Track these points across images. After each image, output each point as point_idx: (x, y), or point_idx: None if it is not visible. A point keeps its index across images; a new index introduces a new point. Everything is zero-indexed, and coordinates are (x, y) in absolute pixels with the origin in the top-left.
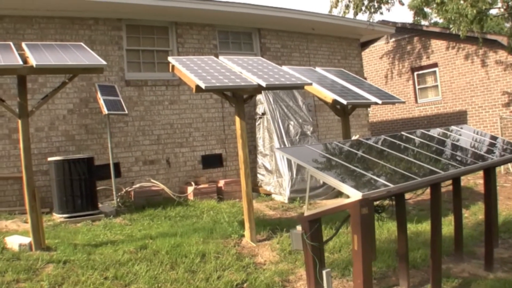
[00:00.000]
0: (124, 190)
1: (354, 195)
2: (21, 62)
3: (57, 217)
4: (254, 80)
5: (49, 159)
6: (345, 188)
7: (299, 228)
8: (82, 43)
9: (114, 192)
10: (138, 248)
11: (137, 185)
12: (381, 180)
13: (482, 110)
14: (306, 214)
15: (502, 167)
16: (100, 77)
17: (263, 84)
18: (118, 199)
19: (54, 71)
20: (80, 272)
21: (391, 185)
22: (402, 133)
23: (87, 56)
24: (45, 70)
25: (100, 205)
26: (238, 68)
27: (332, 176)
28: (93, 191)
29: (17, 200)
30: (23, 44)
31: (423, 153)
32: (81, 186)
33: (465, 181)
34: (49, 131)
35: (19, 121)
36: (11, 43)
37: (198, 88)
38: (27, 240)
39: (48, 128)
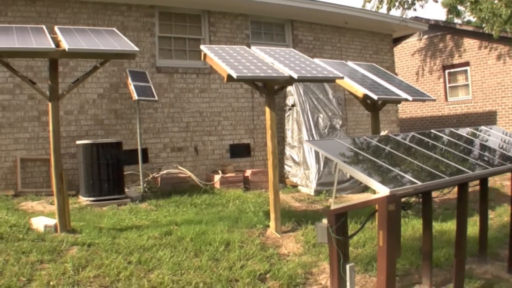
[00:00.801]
0: (151, 175)
1: (382, 191)
2: (53, 46)
3: (83, 200)
4: (286, 71)
5: (78, 142)
6: (373, 183)
7: (324, 221)
8: (114, 29)
9: (141, 177)
10: (162, 234)
11: (164, 172)
12: (409, 177)
13: None
14: (332, 207)
15: None
16: (131, 63)
17: (295, 75)
18: (145, 185)
19: (86, 56)
20: (104, 255)
21: (419, 183)
22: (432, 130)
23: (120, 42)
24: (77, 54)
25: (126, 190)
26: (270, 59)
27: (361, 171)
28: (120, 176)
29: (43, 181)
30: (56, 28)
31: (452, 152)
32: (108, 170)
33: (491, 182)
34: (79, 115)
35: (50, 104)
36: (43, 27)
37: (229, 77)
38: (53, 221)
39: (77, 111)
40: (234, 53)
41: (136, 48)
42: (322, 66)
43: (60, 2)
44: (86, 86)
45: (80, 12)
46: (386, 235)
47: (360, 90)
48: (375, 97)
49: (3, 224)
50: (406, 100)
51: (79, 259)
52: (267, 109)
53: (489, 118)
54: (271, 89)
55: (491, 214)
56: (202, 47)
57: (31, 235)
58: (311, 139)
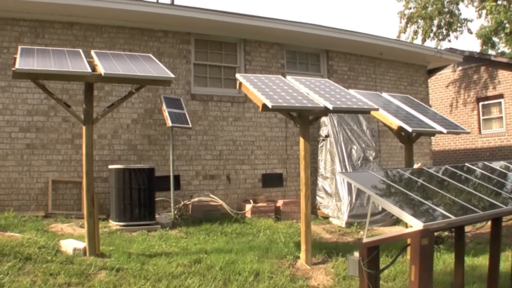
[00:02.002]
0: (182, 202)
1: (415, 225)
2: (89, 70)
3: (114, 224)
4: (321, 102)
5: (110, 166)
6: (406, 217)
7: (356, 254)
8: (150, 55)
9: (172, 204)
10: (192, 261)
11: (196, 199)
12: (442, 211)
13: None
14: (365, 240)
15: None
16: (166, 89)
17: (330, 106)
18: (176, 211)
19: (122, 81)
20: (132, 281)
21: (453, 217)
22: (465, 164)
23: (156, 68)
24: (113, 79)
25: (157, 216)
26: (305, 89)
27: (394, 204)
28: (151, 202)
29: (74, 204)
30: (93, 52)
31: (485, 185)
32: (139, 195)
33: None
34: (112, 139)
35: (84, 128)
36: (80, 50)
37: (264, 106)
38: (82, 244)
39: (111, 136)
40: (270, 83)
41: (172, 75)
42: (357, 97)
43: (97, 26)
44: (120, 111)
45: (116, 37)
46: (418, 270)
47: (394, 122)
48: (409, 129)
49: (32, 245)
50: (441, 132)
51: (107, 283)
52: (301, 140)
53: None
54: (305, 119)
55: None
56: (237, 75)
57: (60, 257)
58: (344, 170)
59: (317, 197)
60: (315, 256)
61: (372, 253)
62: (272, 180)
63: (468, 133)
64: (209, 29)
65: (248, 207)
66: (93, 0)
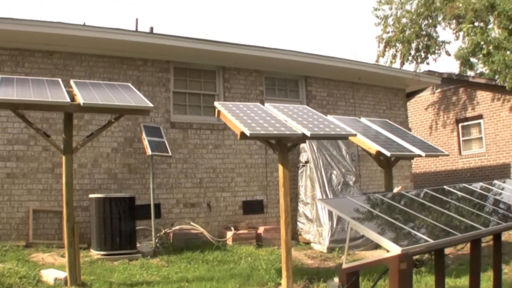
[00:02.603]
0: (164, 231)
1: (394, 249)
2: (68, 100)
3: (95, 253)
4: (299, 129)
5: (91, 195)
6: (385, 242)
7: (336, 279)
8: (129, 84)
9: (153, 233)
10: None
11: (177, 227)
12: (421, 235)
13: None
14: (344, 266)
15: None
16: (146, 118)
17: (308, 133)
18: (157, 240)
19: (100, 110)
20: None
21: (431, 240)
22: (444, 187)
23: (134, 97)
24: (92, 109)
25: (138, 245)
26: (283, 116)
27: (372, 230)
28: (132, 230)
29: (55, 233)
30: (72, 82)
31: (465, 207)
32: (120, 224)
33: (506, 236)
34: (92, 168)
35: (63, 157)
36: (59, 80)
37: (243, 135)
38: (63, 274)
39: (91, 165)
40: (248, 110)
41: (151, 104)
42: (335, 123)
43: (77, 55)
44: (100, 140)
45: (96, 66)
46: None
47: (373, 147)
48: (388, 153)
49: (13, 275)
50: (419, 156)
51: None
52: (280, 167)
53: (503, 171)
54: (284, 146)
55: (505, 269)
56: (216, 103)
57: None
58: (324, 196)
59: (298, 223)
60: (297, 282)
61: (352, 278)
62: (253, 207)
63: (447, 155)
64: (188, 57)
65: (229, 234)
66: (72, 29)
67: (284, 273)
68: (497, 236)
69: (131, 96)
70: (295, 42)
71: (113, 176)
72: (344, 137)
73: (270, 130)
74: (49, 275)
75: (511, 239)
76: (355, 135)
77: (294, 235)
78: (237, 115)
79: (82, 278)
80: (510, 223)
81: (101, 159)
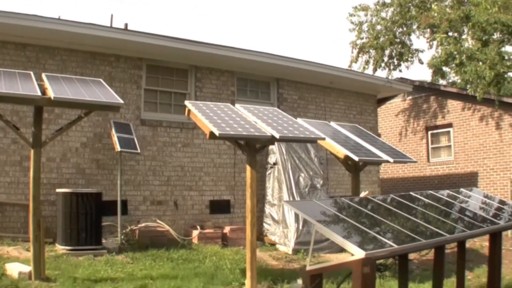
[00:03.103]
0: (129, 228)
1: (357, 253)
2: (39, 93)
3: (60, 248)
4: (268, 130)
5: (58, 190)
6: (349, 246)
7: (299, 281)
8: (101, 80)
9: (119, 229)
10: (137, 287)
11: (143, 224)
12: (386, 240)
13: (493, 173)
14: (308, 268)
15: (509, 230)
16: (116, 114)
17: (277, 135)
18: (123, 237)
19: (71, 105)
20: None
21: (395, 246)
22: (411, 193)
23: (105, 93)
24: (62, 103)
25: (103, 241)
26: (253, 118)
27: (337, 233)
28: (98, 226)
29: (21, 227)
30: (43, 75)
31: (430, 214)
32: (86, 220)
33: (471, 243)
34: (61, 162)
35: (32, 151)
36: (31, 73)
37: (212, 134)
38: (27, 268)
39: (59, 159)
40: (218, 110)
41: (121, 101)
42: (305, 126)
43: (50, 48)
44: (70, 134)
45: (69, 60)
46: None
47: (341, 151)
48: (356, 158)
49: None
50: (387, 161)
51: None
52: (248, 168)
53: (471, 179)
54: (252, 147)
55: (469, 275)
56: (186, 102)
57: (5, 281)
58: (291, 198)
59: (264, 224)
60: (261, 283)
61: (316, 280)
62: (219, 207)
63: (415, 162)
64: (161, 55)
65: (195, 233)
66: (46, 22)
67: (248, 273)
68: (461, 243)
69: (102, 92)
70: (269, 45)
71: (81, 171)
72: (313, 141)
73: (240, 131)
74: (13, 269)
75: (476, 247)
76: (323, 138)
77: (260, 236)
78: (207, 115)
79: (47, 273)
80: (475, 231)
81: (70, 154)
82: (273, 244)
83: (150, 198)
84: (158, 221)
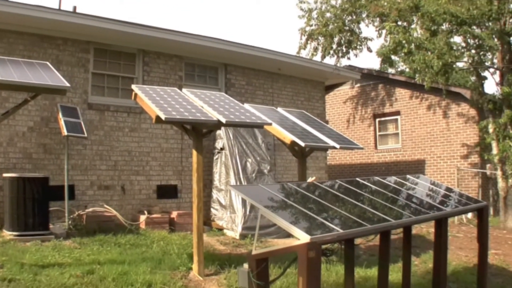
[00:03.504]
0: (77, 213)
1: (303, 238)
2: None
3: (7, 234)
4: (215, 115)
5: (4, 175)
6: (294, 230)
7: (246, 266)
8: (48, 63)
9: (66, 214)
10: (85, 272)
11: (90, 209)
12: (331, 225)
13: (441, 161)
14: (254, 253)
15: (456, 217)
16: (63, 98)
17: (223, 120)
18: (70, 222)
19: (17, 88)
20: None
21: (341, 230)
22: (357, 179)
23: (52, 77)
24: (8, 86)
25: (51, 226)
26: (200, 102)
27: (282, 218)
28: (45, 211)
29: None
30: None
31: (377, 200)
32: (33, 205)
33: (418, 229)
34: (7, 147)
35: None
36: None
37: (158, 118)
38: None
39: (6, 143)
40: (165, 95)
41: (68, 84)
42: (251, 111)
43: None
44: (16, 118)
45: (16, 43)
46: (306, 282)
47: (288, 137)
48: (302, 144)
49: None
50: (334, 147)
51: None
52: (195, 152)
53: (418, 166)
54: (199, 132)
55: (416, 261)
56: (133, 86)
57: None
58: (238, 183)
59: (212, 209)
60: (208, 268)
61: (261, 265)
62: (167, 192)
63: (362, 148)
64: (109, 39)
65: (143, 218)
66: None
67: (195, 258)
68: (407, 228)
69: (48, 75)
70: (219, 31)
71: (28, 155)
72: (260, 126)
73: (186, 115)
74: None
75: (423, 233)
76: (270, 124)
77: (208, 221)
78: (154, 99)
79: None
80: (420, 217)
81: (17, 138)
82: (220, 229)
83: (97, 183)
84: (105, 206)
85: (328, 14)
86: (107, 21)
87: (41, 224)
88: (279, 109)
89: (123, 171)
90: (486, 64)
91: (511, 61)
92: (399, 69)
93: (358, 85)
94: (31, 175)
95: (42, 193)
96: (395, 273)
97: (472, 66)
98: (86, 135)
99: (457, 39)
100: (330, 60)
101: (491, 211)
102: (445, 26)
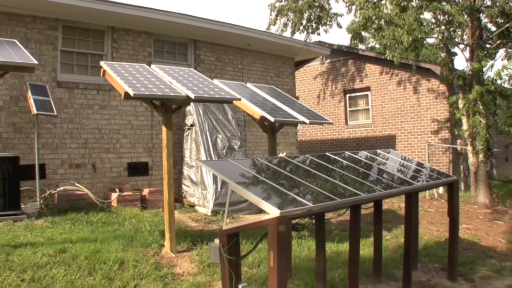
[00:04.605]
0: (48, 192)
1: (272, 212)
2: None
3: None
4: (184, 91)
5: None
6: (264, 205)
7: (217, 241)
8: (16, 40)
9: (37, 194)
10: (57, 251)
11: (61, 188)
12: (301, 199)
13: (411, 136)
14: (224, 227)
15: (427, 192)
16: (32, 76)
17: (192, 96)
18: (42, 201)
19: None
20: None
21: (310, 204)
22: (326, 153)
23: (20, 54)
24: None
25: (22, 206)
26: (169, 78)
27: (252, 192)
28: (16, 191)
29: None
30: None
31: (348, 175)
32: (4, 185)
33: (389, 204)
34: None
35: None
36: None
37: (127, 95)
38: None
39: None
40: (134, 71)
41: (36, 62)
42: (220, 87)
43: None
44: None
45: None
46: (276, 256)
47: (257, 112)
48: (272, 119)
49: None
50: (304, 123)
51: None
52: (164, 128)
53: (388, 142)
54: (168, 108)
55: (387, 236)
56: (102, 63)
57: None
58: (209, 159)
59: (183, 186)
60: (180, 244)
61: (232, 240)
62: (137, 169)
63: (331, 123)
64: (77, 16)
65: (114, 196)
66: None
67: (167, 235)
68: (377, 203)
69: (16, 53)
70: (188, 7)
71: None
72: (229, 101)
73: (154, 91)
74: None
75: (394, 208)
76: (239, 99)
77: (179, 198)
78: (122, 75)
79: None
80: (390, 191)
81: None
82: (192, 206)
83: (68, 161)
84: (76, 184)
85: None
86: None
87: (12, 204)
88: (249, 85)
89: (94, 149)
90: (456, 40)
91: (481, 37)
92: (369, 46)
93: (328, 61)
94: (1, 155)
95: (12, 173)
96: (367, 248)
97: (442, 42)
98: (56, 113)
99: (427, 15)
100: (300, 36)
101: (462, 186)
102: (415, 2)
